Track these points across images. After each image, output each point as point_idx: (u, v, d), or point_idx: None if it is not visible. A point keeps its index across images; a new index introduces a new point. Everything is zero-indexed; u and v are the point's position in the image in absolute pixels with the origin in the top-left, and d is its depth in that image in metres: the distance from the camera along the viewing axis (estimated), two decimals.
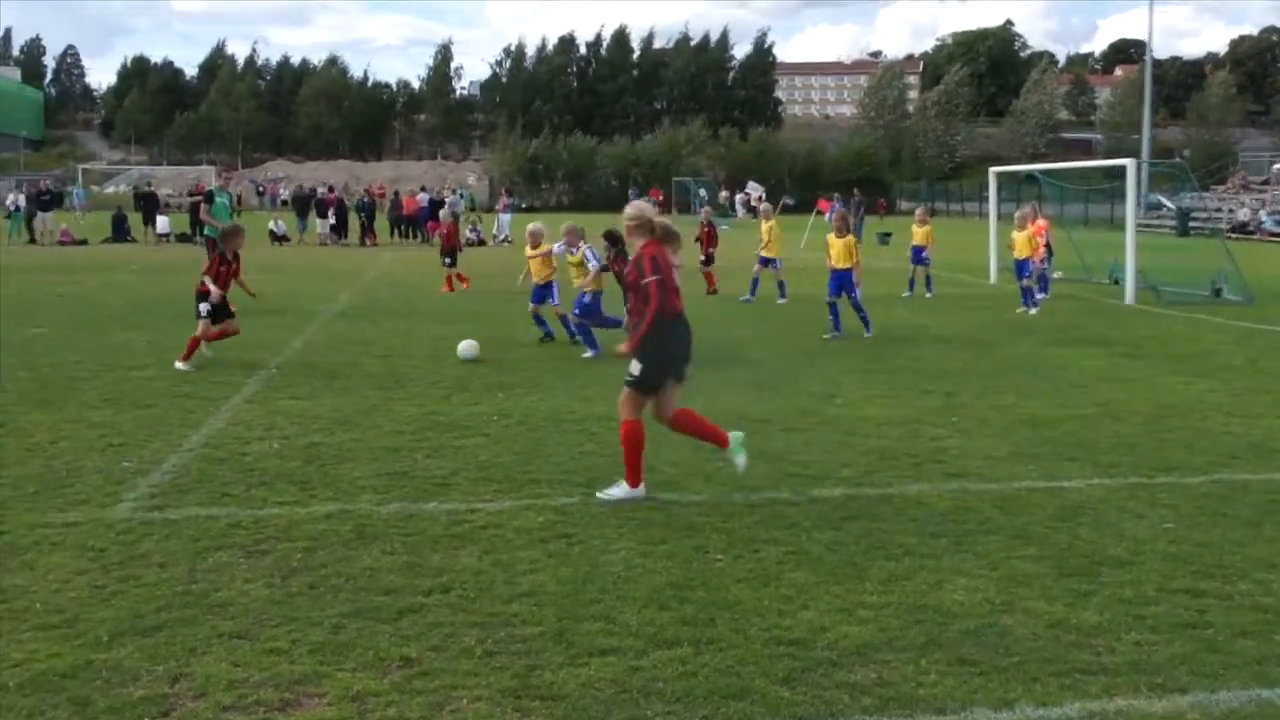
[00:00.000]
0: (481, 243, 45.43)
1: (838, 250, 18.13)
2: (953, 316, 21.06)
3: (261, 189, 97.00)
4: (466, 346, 15.21)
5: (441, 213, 46.18)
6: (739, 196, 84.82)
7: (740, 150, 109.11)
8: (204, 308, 14.65)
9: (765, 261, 23.74)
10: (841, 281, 18.06)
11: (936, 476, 9.23)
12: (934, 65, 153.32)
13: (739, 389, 13.17)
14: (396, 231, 48.52)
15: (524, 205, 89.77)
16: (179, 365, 14.23)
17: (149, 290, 24.50)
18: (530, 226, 17.98)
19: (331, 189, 54.10)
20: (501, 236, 48.17)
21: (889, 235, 48.63)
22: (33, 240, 44.75)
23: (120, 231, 47.26)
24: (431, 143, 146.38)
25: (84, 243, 44.51)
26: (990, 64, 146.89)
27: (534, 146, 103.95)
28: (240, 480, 8.96)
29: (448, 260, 26.01)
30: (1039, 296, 22.76)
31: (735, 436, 8.71)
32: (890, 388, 13.43)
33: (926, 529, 7.74)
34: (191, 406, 11.95)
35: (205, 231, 22.47)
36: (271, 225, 47.60)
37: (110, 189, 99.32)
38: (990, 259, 29.75)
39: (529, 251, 17.17)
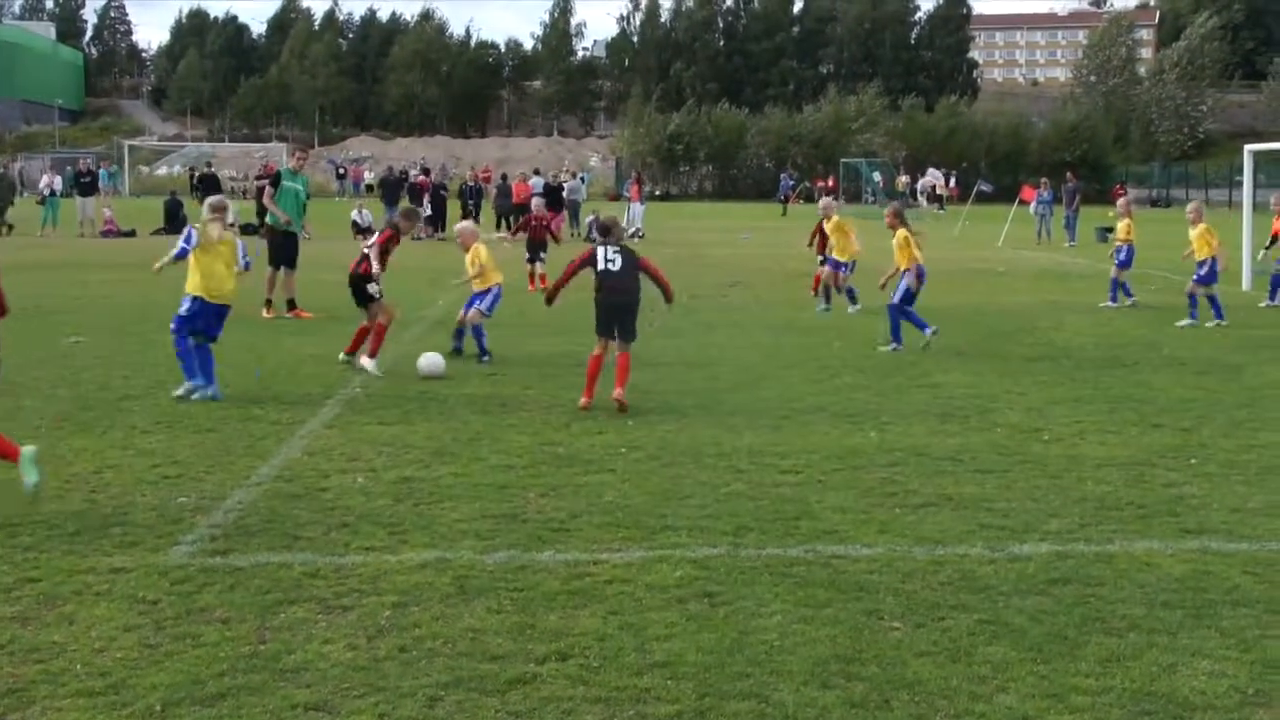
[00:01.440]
0: None
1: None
2: (1191, 332, 20.67)
3: (342, 170, 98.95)
4: (428, 362, 15.39)
5: (567, 195, 46.80)
6: (921, 183, 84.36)
7: (925, 125, 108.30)
8: (373, 289, 15.83)
9: (835, 265, 23.52)
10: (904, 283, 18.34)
11: (1170, 532, 9.11)
12: (1174, 15, 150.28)
13: (917, 418, 13.15)
14: (504, 223, 49.03)
15: (657, 192, 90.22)
16: (366, 364, 15.36)
17: None
18: (457, 226, 18.59)
19: (426, 171, 55.09)
20: (633, 230, 48.48)
21: (1110, 230, 47.82)
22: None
23: (175, 220, 48.41)
24: (547, 116, 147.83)
25: (132, 234, 45.90)
26: (1249, 11, 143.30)
27: (675, 121, 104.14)
28: (318, 521, 9.18)
29: (529, 255, 27.48)
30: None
31: (28, 451, 9.25)
32: (1111, 420, 13.26)
33: (1157, 598, 7.64)
34: (260, 432, 12.27)
35: (268, 220, 22.47)
36: (354, 215, 48.41)
37: (163, 170, 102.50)
38: (1243, 260, 29.13)
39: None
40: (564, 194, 48.57)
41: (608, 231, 14.43)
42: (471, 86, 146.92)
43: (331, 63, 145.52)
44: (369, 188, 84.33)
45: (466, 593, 7.61)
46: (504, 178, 54.13)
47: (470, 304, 17.09)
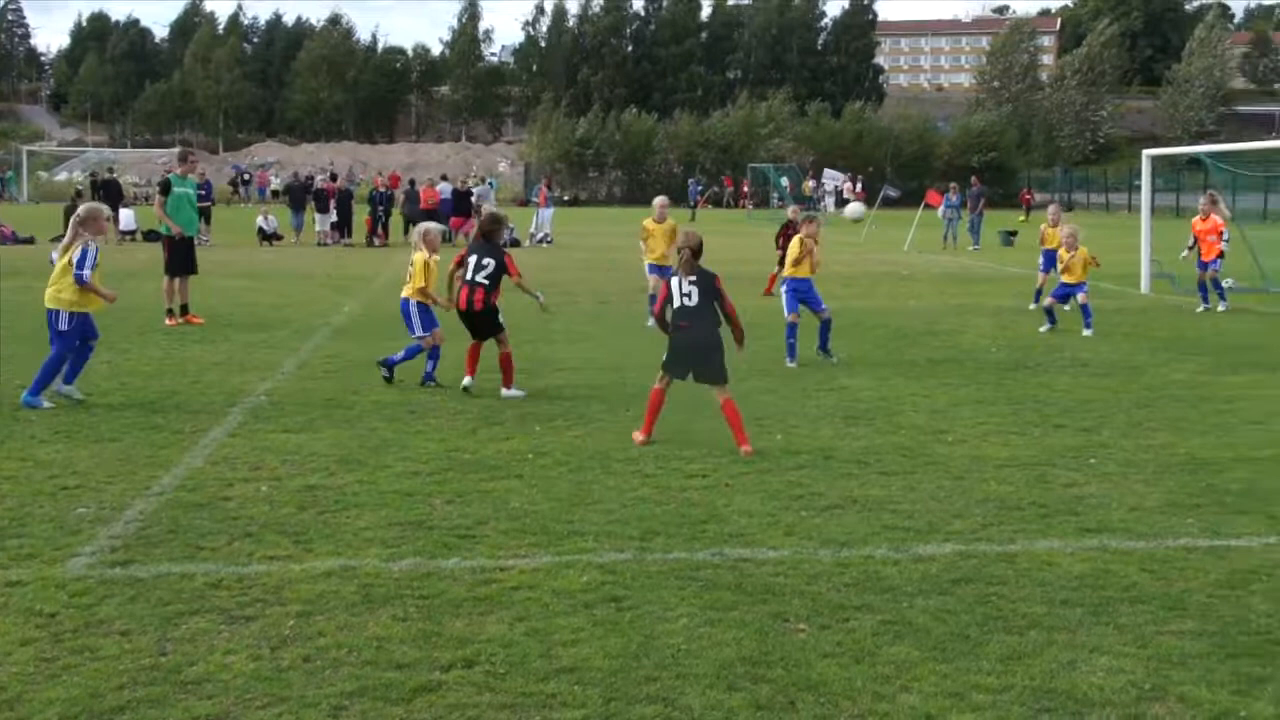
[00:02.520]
0: (515, 244, 45.71)
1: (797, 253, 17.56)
2: (1093, 336, 20.91)
3: (248, 176, 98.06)
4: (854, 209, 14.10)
5: (476, 200, 46.66)
6: (827, 186, 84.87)
7: (832, 130, 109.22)
8: (499, 320, 14.97)
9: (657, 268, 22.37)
10: (803, 293, 17.63)
11: (1070, 532, 9.22)
12: (1075, 22, 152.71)
13: (824, 421, 13.23)
14: (412, 229, 48.76)
15: (565, 198, 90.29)
16: (505, 392, 14.58)
17: None
18: (421, 226, 16.49)
19: (333, 177, 54.61)
20: (540, 235, 48.46)
21: (1014, 234, 48.50)
22: None
23: None
24: (455, 121, 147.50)
25: (30, 240, 45.17)
26: (1146, 20, 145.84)
27: (583, 127, 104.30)
28: (221, 530, 9.08)
29: None
30: (1221, 307, 23.68)
31: None
32: (1014, 422, 13.41)
33: (1057, 596, 7.74)
34: (162, 441, 12.13)
35: (163, 230, 21.87)
36: (260, 221, 48.08)
37: (62, 175, 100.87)
38: (1142, 263, 29.58)
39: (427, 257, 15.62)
40: (472, 199, 48.41)
41: (694, 253, 12.30)
42: (379, 92, 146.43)
43: (236, 67, 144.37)
44: (275, 193, 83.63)
45: (372, 601, 7.57)
46: (412, 183, 53.95)
47: (428, 325, 15.53)
